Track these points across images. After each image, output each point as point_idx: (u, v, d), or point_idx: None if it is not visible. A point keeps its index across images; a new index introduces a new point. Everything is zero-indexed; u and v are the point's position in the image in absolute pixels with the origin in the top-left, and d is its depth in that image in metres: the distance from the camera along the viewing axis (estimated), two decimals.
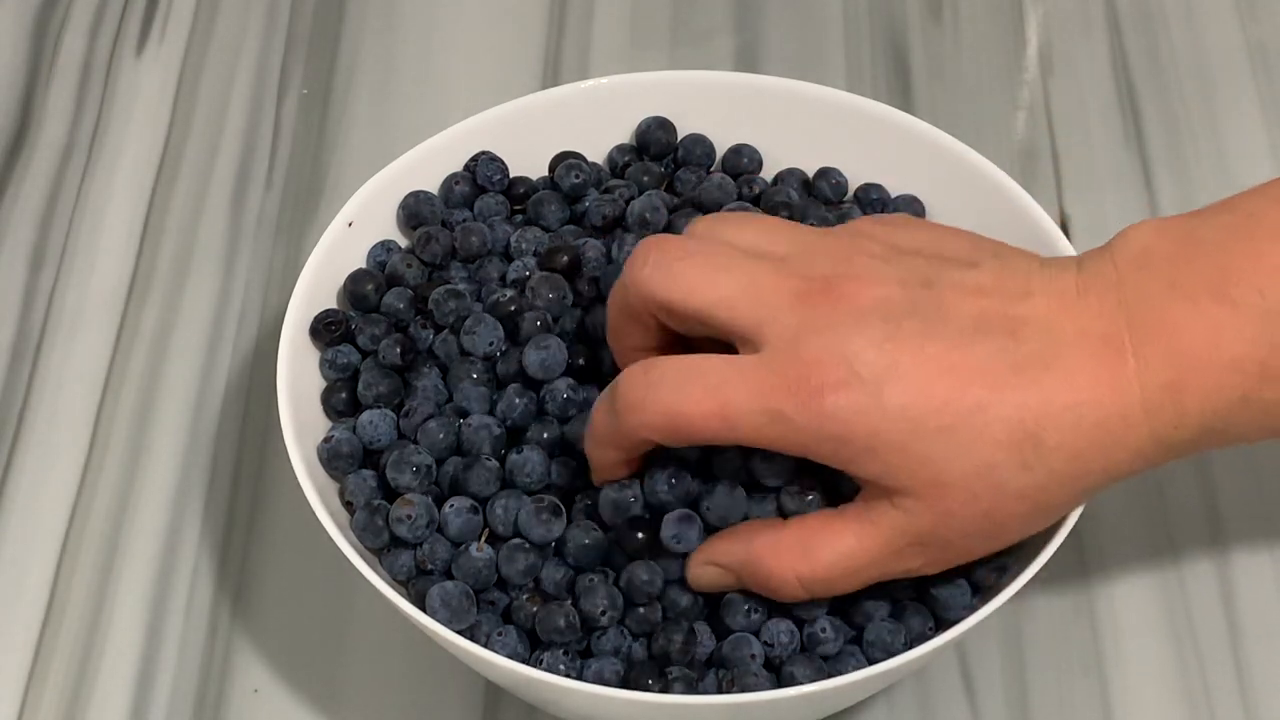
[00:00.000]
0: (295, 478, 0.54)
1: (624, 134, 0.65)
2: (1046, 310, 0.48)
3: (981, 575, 0.54)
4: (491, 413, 0.57)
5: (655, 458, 0.53)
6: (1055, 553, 0.52)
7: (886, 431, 0.47)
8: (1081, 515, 0.53)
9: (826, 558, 0.50)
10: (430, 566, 0.54)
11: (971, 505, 0.48)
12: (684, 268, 0.51)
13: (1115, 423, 0.46)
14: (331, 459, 0.56)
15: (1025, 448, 0.46)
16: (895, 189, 0.64)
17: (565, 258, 0.60)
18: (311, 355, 0.59)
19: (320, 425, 0.58)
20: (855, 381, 0.47)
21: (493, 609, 0.54)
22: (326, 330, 0.59)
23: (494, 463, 0.55)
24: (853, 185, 0.64)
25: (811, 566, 0.50)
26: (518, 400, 0.56)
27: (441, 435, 0.56)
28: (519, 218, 0.64)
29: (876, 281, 0.49)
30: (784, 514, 0.52)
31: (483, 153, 0.64)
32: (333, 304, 0.61)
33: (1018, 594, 0.52)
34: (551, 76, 0.79)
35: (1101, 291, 0.48)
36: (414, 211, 0.62)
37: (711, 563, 0.52)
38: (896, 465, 0.47)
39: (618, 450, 0.52)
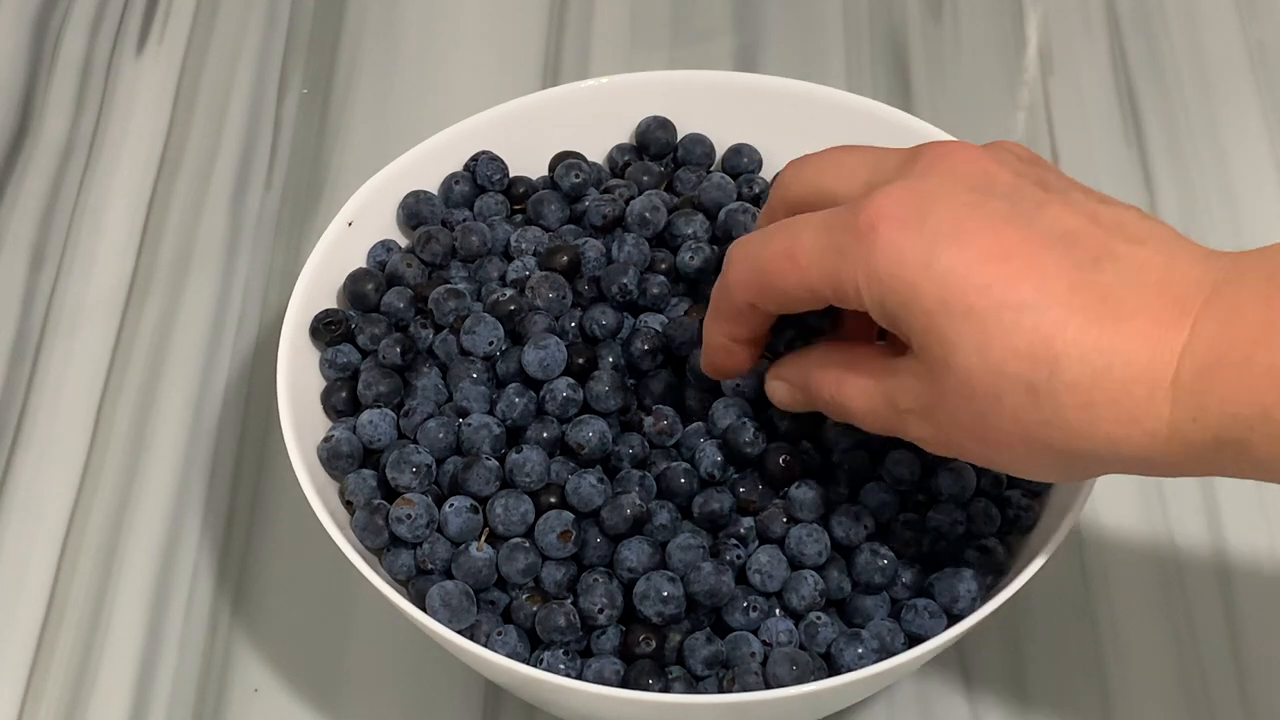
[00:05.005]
0: (295, 477, 0.54)
1: (624, 134, 0.65)
2: (1146, 258, 0.44)
3: (980, 576, 0.54)
4: (491, 412, 0.57)
5: None
6: (1055, 552, 0.52)
7: (922, 290, 0.45)
8: (1082, 515, 0.53)
9: (849, 392, 0.49)
10: (430, 566, 0.54)
11: (967, 402, 0.45)
12: (803, 163, 0.52)
13: (1140, 389, 0.43)
14: (331, 458, 0.56)
15: (1040, 369, 0.43)
16: None
17: (565, 258, 0.60)
18: (311, 355, 0.59)
19: (320, 425, 0.58)
20: (916, 227, 0.45)
21: (493, 608, 0.54)
22: (326, 330, 0.59)
23: (494, 462, 0.55)
24: None
25: (839, 396, 0.50)
26: (517, 400, 0.56)
27: (441, 435, 0.56)
28: (519, 217, 0.64)
29: (990, 160, 0.47)
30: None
31: (483, 152, 0.64)
32: (333, 303, 0.61)
33: (1018, 594, 0.52)
34: (551, 76, 0.79)
35: (1212, 266, 0.44)
36: (414, 211, 0.62)
37: (779, 378, 0.53)
38: (920, 330, 0.45)
39: (724, 320, 0.52)
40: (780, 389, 0.53)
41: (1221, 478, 0.64)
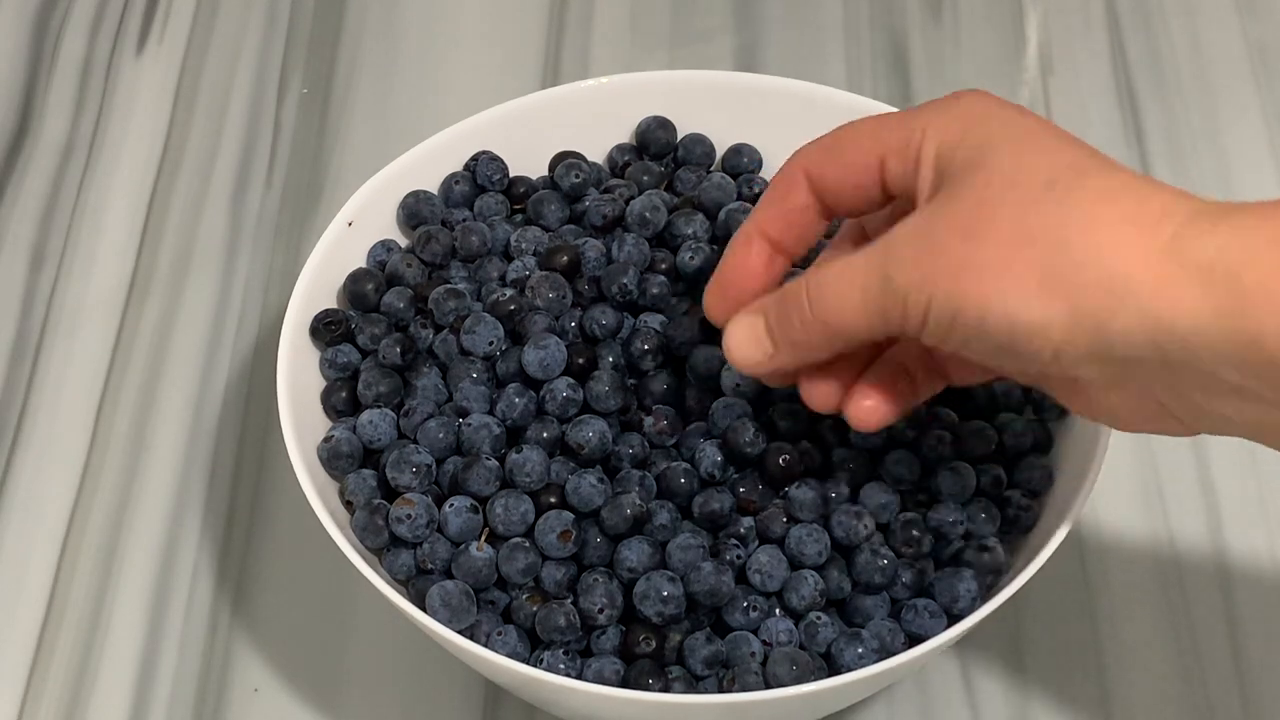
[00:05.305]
0: (295, 477, 0.54)
1: (624, 134, 0.65)
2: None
3: (979, 576, 0.54)
4: (491, 412, 0.57)
5: None
6: (1055, 552, 0.52)
7: (991, 123, 0.48)
8: (1081, 515, 0.53)
9: (828, 273, 0.49)
10: (430, 566, 0.54)
11: (977, 194, 0.46)
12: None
13: (1155, 207, 0.44)
14: (331, 458, 0.56)
15: (1068, 172, 0.45)
16: None
17: (565, 258, 0.60)
18: (311, 355, 0.59)
19: (320, 425, 0.58)
20: (1002, 102, 0.49)
21: (493, 608, 0.55)
22: (326, 330, 0.59)
23: (494, 462, 0.55)
24: None
25: (816, 289, 0.49)
26: (517, 400, 0.56)
27: (441, 435, 0.56)
28: (519, 217, 0.64)
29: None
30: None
31: (483, 152, 0.64)
32: (333, 303, 0.61)
33: (1018, 594, 0.52)
34: (551, 76, 0.79)
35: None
36: (414, 211, 0.62)
37: (749, 312, 0.51)
38: (973, 140, 0.47)
39: (766, 202, 0.52)
40: (741, 329, 0.51)
41: (1222, 478, 0.65)
